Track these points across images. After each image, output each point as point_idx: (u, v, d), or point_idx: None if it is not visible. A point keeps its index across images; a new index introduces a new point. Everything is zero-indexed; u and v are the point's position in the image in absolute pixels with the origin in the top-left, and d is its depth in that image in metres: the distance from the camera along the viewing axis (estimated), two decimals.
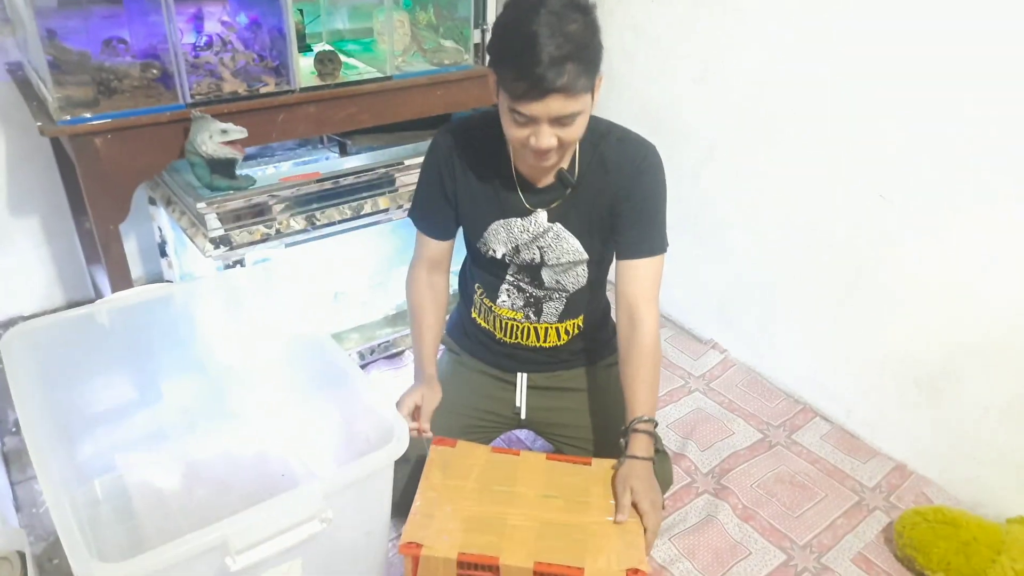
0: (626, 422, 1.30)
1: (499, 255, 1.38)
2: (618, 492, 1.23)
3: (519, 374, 1.50)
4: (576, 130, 1.16)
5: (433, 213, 1.40)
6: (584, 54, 1.08)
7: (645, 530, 1.19)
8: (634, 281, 1.32)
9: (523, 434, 1.83)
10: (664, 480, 1.48)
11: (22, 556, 1.15)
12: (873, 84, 1.63)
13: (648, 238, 1.31)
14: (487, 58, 1.97)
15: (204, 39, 1.81)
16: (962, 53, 1.47)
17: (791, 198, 1.88)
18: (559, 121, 1.12)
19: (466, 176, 1.33)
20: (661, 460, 1.49)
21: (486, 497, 1.25)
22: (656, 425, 1.30)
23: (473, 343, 1.53)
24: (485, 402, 1.50)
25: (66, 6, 1.65)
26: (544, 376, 1.51)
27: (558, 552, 1.15)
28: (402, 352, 2.08)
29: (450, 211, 1.38)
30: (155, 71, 1.62)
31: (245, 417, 1.69)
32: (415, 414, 1.39)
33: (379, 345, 2.04)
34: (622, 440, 1.30)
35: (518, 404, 1.50)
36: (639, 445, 1.26)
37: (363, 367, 2.02)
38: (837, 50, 1.67)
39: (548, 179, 1.30)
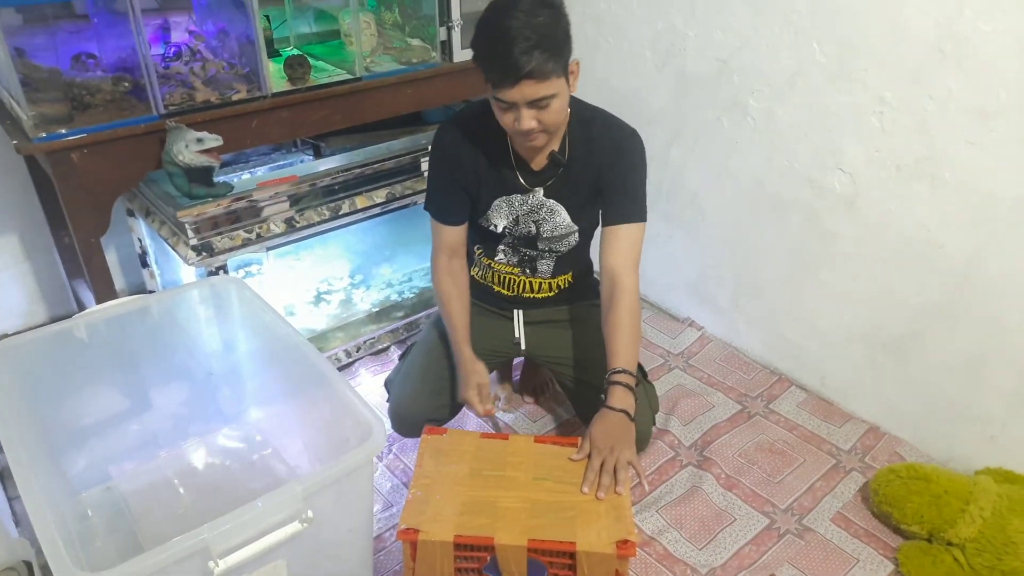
0: (607, 373, 1.39)
1: (499, 229, 1.52)
2: (583, 437, 1.35)
3: (516, 310, 1.65)
4: (554, 113, 1.27)
5: (448, 203, 1.51)
6: (549, 42, 1.19)
7: (601, 464, 1.29)
8: (616, 248, 1.44)
9: (510, 418, 1.88)
10: (652, 405, 1.60)
11: (28, 566, 1.18)
12: (829, 61, 1.69)
13: (630, 207, 1.44)
14: (453, 54, 2.01)
15: (172, 49, 1.82)
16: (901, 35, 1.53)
17: (756, 173, 1.93)
18: (536, 104, 1.24)
19: (472, 163, 1.45)
20: (649, 389, 1.61)
21: (478, 482, 1.30)
22: (637, 381, 1.39)
23: (472, 289, 1.64)
24: (487, 336, 1.63)
25: (32, 23, 1.66)
26: (537, 312, 1.66)
27: (550, 529, 1.20)
28: (387, 348, 2.12)
29: (464, 197, 1.50)
30: (127, 84, 1.63)
31: (234, 420, 1.72)
32: (484, 398, 1.50)
33: (364, 342, 2.07)
34: (601, 395, 1.38)
35: (517, 335, 1.65)
36: (614, 396, 1.36)
37: (349, 365, 2.05)
38: (797, 27, 1.73)
39: (542, 161, 1.43)
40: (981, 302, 1.59)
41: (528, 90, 1.21)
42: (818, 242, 1.85)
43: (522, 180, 1.45)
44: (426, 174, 1.57)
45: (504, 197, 1.48)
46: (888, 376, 1.81)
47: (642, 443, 1.54)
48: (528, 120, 1.25)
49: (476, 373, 1.51)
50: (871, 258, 1.76)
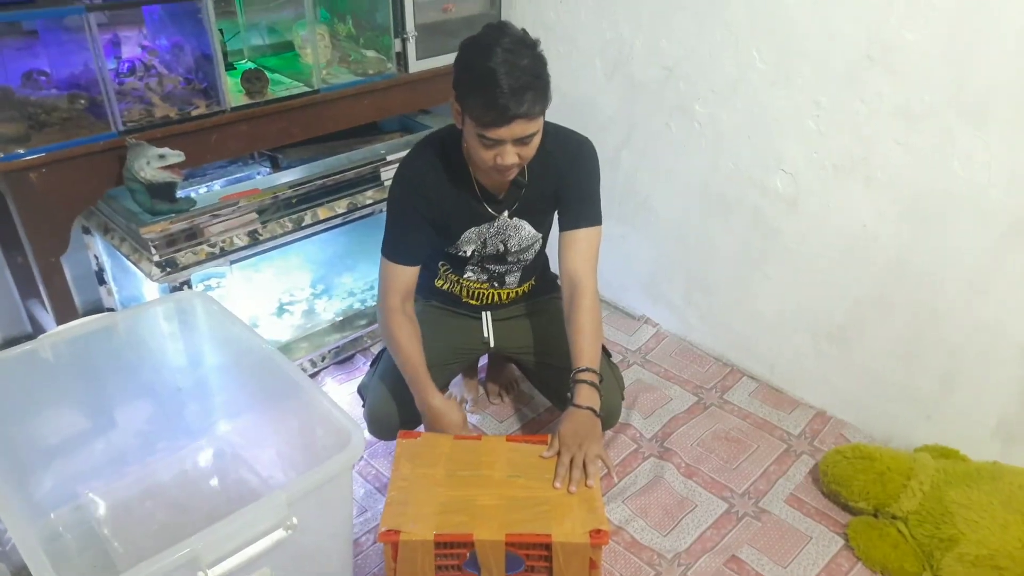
0: (572, 372, 1.44)
1: (468, 253, 1.56)
2: (553, 435, 1.39)
3: (484, 312, 1.70)
4: (534, 147, 1.34)
5: (412, 243, 1.49)
6: (538, 83, 1.26)
7: (568, 459, 1.33)
8: (575, 252, 1.50)
9: (477, 419, 1.92)
10: (619, 382, 1.65)
11: None
12: (768, 68, 1.78)
13: (586, 212, 1.50)
14: (408, 64, 2.04)
15: (125, 65, 1.81)
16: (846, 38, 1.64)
17: (703, 175, 2.03)
18: (521, 141, 1.30)
19: (438, 199, 1.48)
20: (614, 367, 1.66)
21: (454, 482, 1.34)
22: (602, 380, 1.44)
23: (436, 296, 1.70)
24: (458, 338, 1.69)
25: None
26: (504, 311, 1.72)
27: (526, 523, 1.25)
28: (352, 357, 2.14)
29: (427, 235, 1.50)
30: (83, 101, 1.62)
31: (203, 435, 1.72)
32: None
33: (329, 352, 2.09)
34: (568, 393, 1.43)
35: (486, 335, 1.70)
36: (581, 395, 1.41)
37: (315, 374, 2.07)
38: (737, 36, 1.82)
39: (506, 186, 1.48)
40: (913, 291, 1.71)
41: (518, 129, 1.26)
42: (763, 239, 1.95)
43: (489, 209, 1.50)
44: (385, 212, 1.52)
45: (474, 228, 1.52)
46: (832, 363, 1.93)
47: (613, 417, 1.61)
48: (511, 156, 1.30)
49: (454, 425, 1.48)
50: (813, 253, 1.86)
